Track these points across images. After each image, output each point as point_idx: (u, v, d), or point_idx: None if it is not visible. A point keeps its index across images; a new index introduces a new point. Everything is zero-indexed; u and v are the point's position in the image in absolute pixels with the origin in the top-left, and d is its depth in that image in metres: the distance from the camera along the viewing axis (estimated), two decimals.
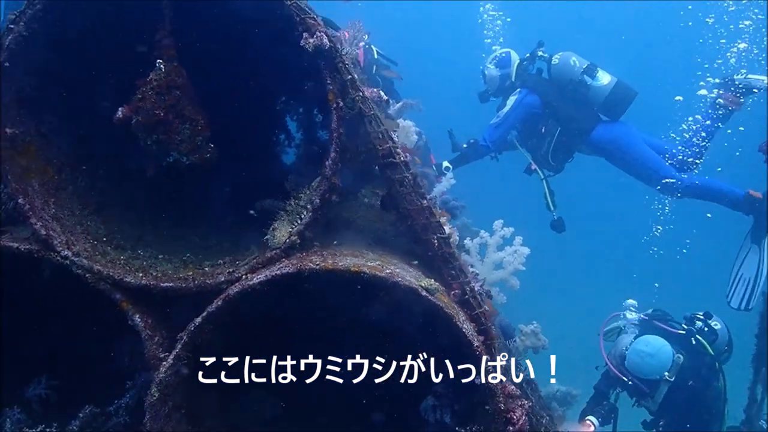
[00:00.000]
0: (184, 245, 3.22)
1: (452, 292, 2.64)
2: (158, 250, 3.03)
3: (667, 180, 6.94)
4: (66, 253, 2.52)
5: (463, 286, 2.64)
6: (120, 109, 2.54)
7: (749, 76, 6.73)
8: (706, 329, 5.74)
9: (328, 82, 2.44)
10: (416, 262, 2.74)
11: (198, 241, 3.37)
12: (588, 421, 5.82)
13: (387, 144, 2.54)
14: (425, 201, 2.61)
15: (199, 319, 2.37)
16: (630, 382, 5.53)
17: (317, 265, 2.33)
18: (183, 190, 3.61)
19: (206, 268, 2.76)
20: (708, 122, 6.95)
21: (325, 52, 2.40)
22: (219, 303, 2.37)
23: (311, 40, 2.35)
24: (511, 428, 2.28)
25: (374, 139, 2.55)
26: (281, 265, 2.39)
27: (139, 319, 2.55)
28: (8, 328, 3.15)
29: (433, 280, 2.35)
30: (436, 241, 2.62)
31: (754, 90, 6.70)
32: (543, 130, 7.13)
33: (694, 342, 5.57)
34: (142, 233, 3.15)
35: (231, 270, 2.58)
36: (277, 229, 2.57)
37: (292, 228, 2.58)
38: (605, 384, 5.94)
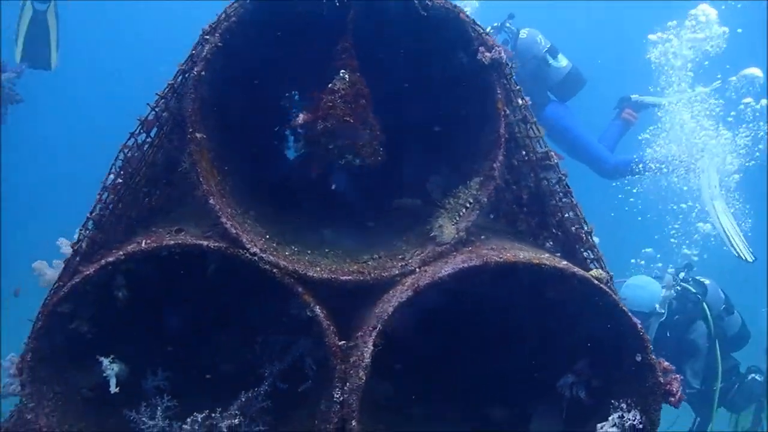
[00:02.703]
0: (316, 242, 3.41)
1: None
2: (303, 246, 3.22)
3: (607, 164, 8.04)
4: (254, 250, 2.70)
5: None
6: (300, 114, 2.73)
7: (643, 97, 8.11)
8: (690, 280, 6.28)
9: (498, 91, 2.69)
10: (559, 254, 3.02)
11: (319, 238, 3.56)
12: None
13: (545, 148, 2.81)
14: (574, 199, 2.90)
15: (390, 308, 2.60)
16: None
17: (500, 258, 2.58)
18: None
19: (369, 262, 2.97)
20: (615, 128, 8.25)
21: (498, 65, 2.65)
22: (409, 293, 2.60)
23: (488, 54, 2.60)
24: (672, 399, 2.59)
25: (533, 143, 2.81)
26: (464, 258, 2.64)
27: (319, 311, 2.75)
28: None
29: (600, 270, 2.64)
30: (584, 234, 2.91)
31: (649, 108, 8.22)
32: None
33: (679, 287, 6.08)
34: (282, 231, 3.33)
35: (403, 264, 2.81)
36: (444, 226, 2.81)
37: (456, 224, 2.83)
38: None
